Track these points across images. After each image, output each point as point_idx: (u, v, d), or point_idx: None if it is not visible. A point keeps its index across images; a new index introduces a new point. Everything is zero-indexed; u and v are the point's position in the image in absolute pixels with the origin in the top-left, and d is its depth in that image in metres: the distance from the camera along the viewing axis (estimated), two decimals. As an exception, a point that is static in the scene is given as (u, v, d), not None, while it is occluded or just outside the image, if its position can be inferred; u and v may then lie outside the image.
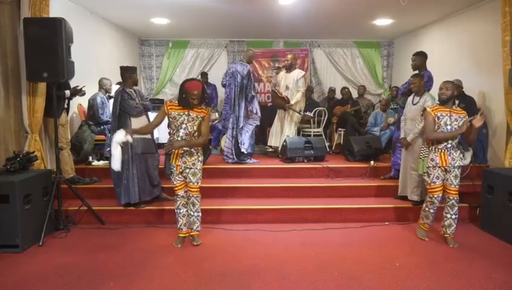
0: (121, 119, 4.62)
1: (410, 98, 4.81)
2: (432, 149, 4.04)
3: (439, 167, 3.98)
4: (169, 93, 9.55)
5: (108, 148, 5.05)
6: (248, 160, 6.13)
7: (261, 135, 7.68)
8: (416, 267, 3.56)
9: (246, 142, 6.07)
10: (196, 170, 3.94)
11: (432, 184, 4.04)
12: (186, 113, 3.84)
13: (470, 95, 5.96)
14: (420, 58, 5.11)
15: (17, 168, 4.10)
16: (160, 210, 4.77)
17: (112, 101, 5.12)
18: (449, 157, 3.97)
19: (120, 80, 4.94)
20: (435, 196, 4.05)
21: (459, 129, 3.91)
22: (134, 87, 4.86)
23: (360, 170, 5.85)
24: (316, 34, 9.06)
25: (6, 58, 4.46)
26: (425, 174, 4.09)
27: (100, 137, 5.99)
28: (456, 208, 4.04)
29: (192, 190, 3.98)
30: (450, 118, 3.95)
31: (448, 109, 3.98)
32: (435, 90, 4.95)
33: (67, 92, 5.14)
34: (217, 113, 7.88)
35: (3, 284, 3.27)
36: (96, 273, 3.43)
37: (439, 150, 3.99)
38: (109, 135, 5.43)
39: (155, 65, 9.64)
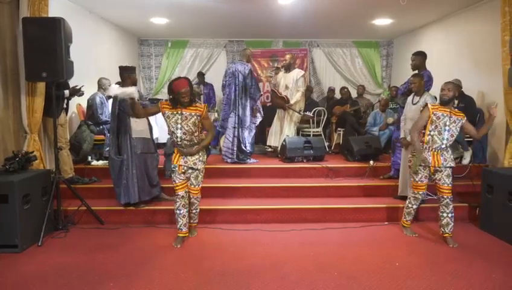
0: (120, 119, 4.61)
1: (410, 98, 4.81)
2: (426, 147, 4.05)
3: (430, 167, 4.02)
4: (169, 93, 9.52)
5: (108, 148, 5.06)
6: (248, 160, 6.12)
7: (260, 134, 7.67)
8: (416, 267, 3.55)
9: (249, 141, 6.09)
10: (198, 172, 3.96)
11: (420, 182, 4.14)
12: (179, 112, 3.83)
13: (469, 94, 5.97)
14: (419, 58, 5.11)
15: (16, 168, 4.09)
16: (160, 210, 4.76)
17: (111, 101, 5.11)
18: (441, 158, 4.00)
19: (119, 79, 4.93)
20: (420, 192, 4.19)
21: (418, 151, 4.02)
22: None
23: (359, 170, 5.85)
24: (315, 33, 9.06)
25: (5, 58, 4.44)
26: (415, 172, 4.13)
27: (99, 137, 5.99)
28: (451, 206, 4.06)
29: (193, 191, 4.02)
30: (450, 119, 3.96)
31: (448, 110, 3.99)
32: (434, 90, 4.98)
33: (67, 92, 5.13)
34: (216, 113, 7.87)
35: (3, 284, 3.26)
36: (95, 274, 3.42)
37: (433, 150, 4.01)
38: (108, 135, 5.42)
39: (154, 65, 9.64)
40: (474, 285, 3.22)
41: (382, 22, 7.58)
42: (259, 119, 6.24)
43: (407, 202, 4.34)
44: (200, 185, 4.05)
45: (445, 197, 4.03)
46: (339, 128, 7.68)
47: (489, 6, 5.93)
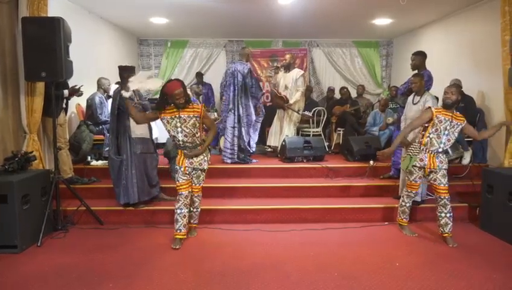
0: (119, 119, 4.60)
1: (410, 98, 4.81)
2: (423, 149, 4.05)
3: (425, 168, 4.04)
4: (168, 93, 9.50)
5: (107, 148, 5.05)
6: (249, 160, 6.11)
7: (260, 134, 7.65)
8: (416, 267, 3.55)
9: (254, 140, 6.09)
10: (201, 172, 3.96)
11: (414, 182, 4.20)
12: (177, 116, 3.81)
13: (469, 94, 5.95)
14: (419, 58, 5.10)
15: (15, 168, 4.08)
16: (159, 210, 4.75)
17: (110, 100, 5.10)
18: (437, 160, 4.02)
19: (119, 79, 4.92)
20: (414, 191, 4.26)
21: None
22: (133, 87, 4.84)
23: (359, 170, 5.84)
24: (315, 33, 9.06)
25: (4, 57, 4.43)
26: (408, 171, 4.17)
27: (99, 137, 5.97)
28: (449, 206, 4.06)
29: (195, 190, 4.03)
30: (451, 124, 3.97)
31: (450, 114, 3.98)
32: (434, 90, 4.97)
33: (66, 92, 5.12)
34: (215, 113, 7.86)
35: (2, 284, 3.25)
36: (95, 274, 3.41)
37: (430, 152, 4.02)
38: (108, 135, 5.41)
39: (154, 65, 9.62)
40: (475, 285, 3.22)
41: (382, 21, 7.57)
42: (261, 118, 6.24)
43: (400, 200, 4.39)
44: (202, 184, 4.07)
45: (442, 197, 4.03)
46: (338, 128, 7.68)
47: (489, 6, 5.93)
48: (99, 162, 5.86)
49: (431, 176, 4.06)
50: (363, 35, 9.21)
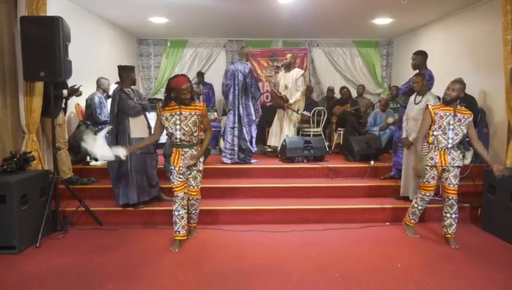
0: (119, 119, 4.58)
1: (412, 98, 4.78)
2: (432, 148, 4.01)
3: (437, 166, 3.97)
4: (168, 93, 9.47)
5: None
6: (249, 160, 6.09)
7: (260, 134, 7.63)
8: (418, 268, 3.52)
9: (255, 139, 6.06)
10: (197, 172, 3.90)
11: (427, 183, 4.07)
12: (177, 113, 3.76)
13: (470, 94, 5.92)
14: (420, 58, 5.09)
15: (14, 168, 4.05)
16: (159, 211, 4.72)
17: (110, 100, 5.07)
18: (449, 157, 3.94)
19: (118, 79, 4.89)
20: (427, 194, 4.09)
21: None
22: (133, 87, 4.82)
23: (360, 170, 5.81)
24: (315, 33, 9.03)
25: (3, 57, 4.40)
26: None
27: (98, 137, 5.93)
28: (456, 207, 4.02)
29: (193, 193, 3.95)
30: (454, 118, 3.91)
31: (452, 108, 3.93)
32: (435, 90, 4.95)
33: (65, 92, 5.09)
34: (215, 113, 7.83)
35: (1, 285, 3.24)
36: (94, 275, 3.38)
37: (440, 149, 3.96)
38: (107, 135, 5.37)
39: (153, 64, 9.60)
40: (476, 286, 3.20)
41: (382, 21, 7.55)
42: (257, 118, 6.22)
43: (413, 201, 4.28)
44: (200, 186, 3.98)
45: (450, 197, 3.99)
46: (339, 128, 7.65)
47: (489, 6, 5.92)
48: (99, 163, 5.81)
49: (444, 174, 3.99)
50: (364, 35, 9.18)
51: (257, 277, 3.35)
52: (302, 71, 6.74)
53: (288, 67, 6.58)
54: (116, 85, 4.89)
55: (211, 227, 4.52)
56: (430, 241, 4.18)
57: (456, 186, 3.97)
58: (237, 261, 3.66)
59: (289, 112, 6.52)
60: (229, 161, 5.98)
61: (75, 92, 5.28)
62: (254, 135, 6.10)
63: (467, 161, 5.69)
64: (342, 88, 8.49)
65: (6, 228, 3.79)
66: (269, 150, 7.02)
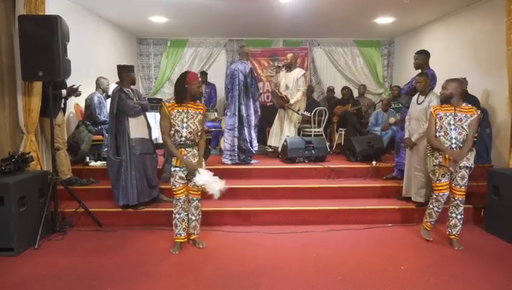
0: (118, 119, 4.54)
1: (414, 98, 4.73)
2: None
3: (444, 166, 3.91)
4: (168, 92, 9.45)
5: (106, 149, 4.97)
6: (250, 160, 6.04)
7: (260, 134, 7.58)
8: (421, 270, 3.48)
9: (255, 140, 6.02)
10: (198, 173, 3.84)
11: (438, 182, 3.99)
12: (185, 110, 3.73)
13: (472, 94, 5.87)
14: (422, 57, 5.04)
15: (12, 169, 4.00)
16: (159, 212, 4.67)
17: (109, 100, 5.03)
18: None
19: (118, 79, 4.84)
20: (440, 194, 3.99)
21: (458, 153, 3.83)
22: (132, 87, 4.78)
23: (361, 171, 5.76)
24: (316, 33, 8.98)
25: (1, 56, 4.35)
26: (431, 172, 4.05)
27: (97, 137, 5.90)
28: (461, 208, 3.97)
29: (195, 193, 3.90)
30: (454, 118, 3.86)
31: (452, 108, 3.88)
32: (437, 90, 4.89)
33: (64, 92, 5.05)
34: (216, 113, 7.79)
35: (0, 287, 3.20)
36: (93, 277, 3.34)
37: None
38: (106, 135, 5.34)
39: (153, 64, 9.54)
40: (480, 289, 3.15)
41: (383, 20, 7.50)
42: (256, 118, 6.18)
43: (429, 202, 4.19)
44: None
45: (456, 198, 3.95)
46: (340, 128, 7.60)
47: (490, 6, 5.89)
48: (98, 163, 5.79)
49: (452, 175, 3.93)
50: (365, 35, 9.13)
51: (259, 279, 3.30)
52: (303, 71, 6.69)
53: (289, 67, 6.53)
54: (116, 85, 4.85)
55: (211, 228, 4.47)
56: (433, 243, 4.13)
57: (463, 187, 3.91)
58: (238, 263, 3.61)
59: (290, 112, 6.47)
60: (229, 162, 5.93)
61: (74, 92, 5.23)
62: (254, 135, 6.05)
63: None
64: (344, 88, 8.43)
65: (4, 229, 3.74)
66: (270, 150, 6.97)
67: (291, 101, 6.38)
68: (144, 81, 9.54)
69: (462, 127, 3.84)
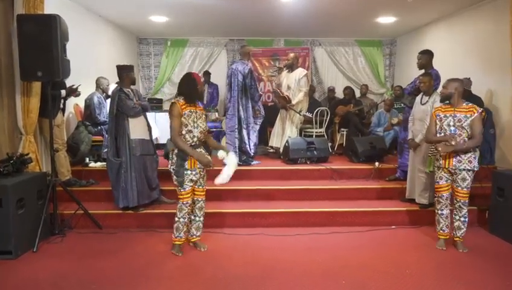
0: (118, 120, 4.48)
1: (418, 98, 4.67)
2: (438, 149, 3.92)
3: (444, 168, 3.87)
4: (168, 92, 9.40)
5: (106, 150, 4.91)
6: (251, 161, 5.97)
7: (262, 135, 7.52)
8: (425, 274, 3.43)
9: (253, 142, 5.95)
10: (206, 172, 3.83)
11: (436, 184, 3.98)
12: (194, 110, 3.69)
13: (476, 94, 5.81)
14: (426, 57, 4.98)
15: (10, 171, 3.94)
16: (160, 214, 4.61)
17: (109, 100, 4.97)
18: (454, 159, 3.82)
19: (118, 79, 4.78)
20: (439, 195, 3.97)
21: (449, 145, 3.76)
22: (132, 87, 4.72)
23: (364, 172, 5.70)
24: (317, 32, 8.92)
25: (-1, 56, 4.31)
26: (431, 173, 4.05)
27: (97, 138, 5.84)
28: (464, 210, 3.92)
29: (201, 193, 3.85)
30: (454, 119, 3.81)
31: (452, 109, 3.83)
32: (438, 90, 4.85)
33: (63, 92, 4.99)
34: (216, 113, 7.73)
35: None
36: (93, 281, 3.29)
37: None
38: (106, 135, 5.27)
39: (153, 64, 9.48)
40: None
41: (385, 20, 7.44)
42: (260, 119, 6.10)
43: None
44: None
45: (457, 200, 3.90)
46: (342, 129, 7.54)
47: (493, 5, 5.84)
48: (98, 164, 5.72)
49: (452, 177, 3.88)
50: (366, 34, 9.07)
51: (261, 282, 3.25)
52: (306, 71, 6.62)
53: (291, 67, 6.46)
54: (116, 85, 4.80)
55: (212, 231, 4.39)
56: (436, 245, 4.05)
57: (465, 189, 3.85)
58: (240, 267, 3.56)
59: (292, 112, 6.41)
60: (231, 163, 5.86)
61: (73, 92, 5.17)
62: (254, 137, 5.96)
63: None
64: (346, 88, 8.36)
65: (2, 232, 3.68)
66: (271, 150, 6.91)
67: (293, 102, 6.31)
68: (144, 81, 9.49)
69: (462, 127, 3.78)
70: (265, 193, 5.16)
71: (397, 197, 5.08)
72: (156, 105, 8.59)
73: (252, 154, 6.00)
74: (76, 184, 5.14)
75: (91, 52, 6.71)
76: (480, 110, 3.82)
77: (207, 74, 8.88)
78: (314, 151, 6.09)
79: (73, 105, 6.17)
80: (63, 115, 5.26)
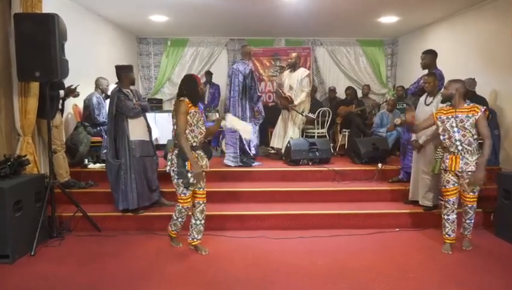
0: (117, 121, 4.41)
1: (422, 99, 4.60)
2: (446, 152, 3.86)
3: (450, 170, 3.80)
4: (168, 93, 9.34)
5: (105, 151, 4.85)
6: (252, 163, 5.91)
7: (263, 136, 7.46)
8: (429, 277, 3.37)
9: (254, 143, 5.88)
10: (205, 173, 3.77)
11: (443, 188, 3.91)
12: (197, 111, 3.69)
13: (480, 95, 5.74)
14: (430, 57, 4.92)
15: (7, 172, 3.87)
16: (160, 216, 4.54)
17: (108, 101, 4.90)
18: (461, 162, 3.74)
19: (117, 79, 4.72)
20: (446, 199, 3.89)
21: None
22: (132, 87, 4.65)
23: (367, 173, 5.63)
24: (319, 32, 8.86)
25: (-3, 56, 4.23)
26: (434, 172, 4.01)
27: (96, 139, 5.78)
28: (470, 214, 3.88)
29: (202, 196, 3.80)
30: (456, 120, 3.75)
31: (453, 110, 3.78)
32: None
33: (62, 92, 4.92)
34: (217, 114, 7.67)
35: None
36: (92, 285, 3.23)
37: (451, 153, 3.80)
38: (105, 136, 5.21)
39: (153, 64, 9.42)
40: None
41: (387, 19, 7.37)
42: (260, 120, 6.04)
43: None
44: None
45: (465, 204, 3.85)
46: (343, 129, 7.47)
47: (495, 6, 5.78)
48: (97, 165, 5.66)
49: (460, 180, 3.82)
50: (368, 34, 9.01)
51: (264, 286, 3.19)
52: (308, 71, 6.56)
53: (293, 67, 6.40)
54: (115, 85, 4.73)
55: (213, 233, 4.33)
56: (440, 248, 3.98)
57: (471, 193, 3.80)
58: (242, 270, 3.50)
59: (294, 113, 6.34)
60: (232, 164, 5.81)
61: (72, 92, 5.11)
62: (253, 138, 5.90)
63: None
64: (348, 88, 8.27)
65: (-1, 235, 3.62)
66: (272, 151, 6.84)
67: (296, 102, 6.24)
68: (144, 81, 9.42)
69: (465, 128, 3.71)
70: (266, 195, 5.09)
71: (400, 199, 5.02)
72: (156, 105, 8.53)
73: (253, 154, 5.94)
74: (75, 186, 5.08)
75: (90, 52, 6.65)
76: (483, 109, 3.73)
77: (209, 74, 8.82)
78: (316, 152, 6.02)
79: (72, 105, 6.10)
80: (62, 116, 5.19)
